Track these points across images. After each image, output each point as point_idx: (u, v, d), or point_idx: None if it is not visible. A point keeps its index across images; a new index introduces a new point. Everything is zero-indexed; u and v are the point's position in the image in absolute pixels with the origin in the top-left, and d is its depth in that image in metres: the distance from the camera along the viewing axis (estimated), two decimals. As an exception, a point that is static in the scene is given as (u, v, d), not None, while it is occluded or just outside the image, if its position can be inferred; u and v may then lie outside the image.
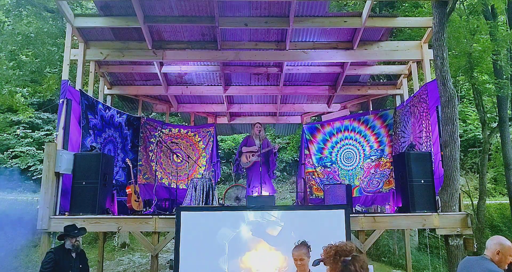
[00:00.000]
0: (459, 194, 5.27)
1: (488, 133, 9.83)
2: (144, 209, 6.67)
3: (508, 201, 9.73)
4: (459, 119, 7.08)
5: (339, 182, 7.80)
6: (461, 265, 2.95)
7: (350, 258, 1.85)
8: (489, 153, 11.59)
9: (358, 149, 8.14)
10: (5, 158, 13.58)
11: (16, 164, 13.45)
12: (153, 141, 8.16)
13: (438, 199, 5.33)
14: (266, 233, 4.78)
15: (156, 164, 8.07)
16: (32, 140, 14.15)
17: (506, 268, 2.73)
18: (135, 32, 6.37)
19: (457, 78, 9.50)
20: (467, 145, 14.22)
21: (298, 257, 2.87)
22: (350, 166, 8.16)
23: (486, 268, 2.65)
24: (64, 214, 5.23)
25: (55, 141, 5.41)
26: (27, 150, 13.62)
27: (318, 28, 6.34)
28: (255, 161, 7.18)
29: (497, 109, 9.45)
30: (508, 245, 2.72)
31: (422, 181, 5.36)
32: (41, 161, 9.81)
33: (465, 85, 10.84)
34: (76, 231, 4.26)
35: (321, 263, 1.95)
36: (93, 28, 6.25)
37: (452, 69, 7.99)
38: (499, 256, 2.70)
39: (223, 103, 8.75)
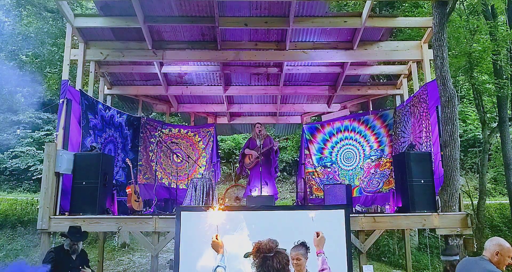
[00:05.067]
0: (459, 194, 5.27)
1: (488, 133, 9.83)
2: (144, 209, 6.67)
3: (508, 201, 9.73)
4: (459, 119, 7.10)
5: (339, 182, 7.80)
6: (460, 265, 2.96)
7: (272, 254, 2.12)
8: (489, 153, 11.58)
9: (358, 149, 8.14)
10: (5, 158, 13.58)
11: (16, 164, 13.45)
12: (153, 141, 8.16)
13: (438, 199, 5.33)
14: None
15: (156, 164, 8.07)
16: (32, 140, 14.15)
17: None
18: (135, 32, 6.36)
19: (457, 78, 9.50)
20: (467, 145, 14.22)
21: (295, 257, 2.85)
22: (350, 166, 8.17)
23: (485, 269, 2.66)
24: (64, 214, 5.24)
25: (55, 141, 5.41)
26: (27, 150, 13.62)
27: (318, 28, 6.34)
28: (257, 161, 7.18)
29: (497, 109, 9.45)
30: (507, 247, 2.73)
31: (422, 181, 5.36)
32: (41, 161, 9.82)
33: (465, 85, 10.84)
34: (78, 235, 4.28)
35: (251, 256, 2.26)
36: (93, 28, 6.25)
37: (452, 69, 7.99)
38: (498, 257, 2.71)
39: (223, 103, 8.75)
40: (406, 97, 7.54)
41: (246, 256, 2.27)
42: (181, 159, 8.01)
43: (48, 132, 14.50)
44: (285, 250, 2.19)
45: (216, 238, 2.61)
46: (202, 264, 4.74)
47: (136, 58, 6.71)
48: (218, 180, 9.67)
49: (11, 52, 10.73)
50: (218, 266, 2.49)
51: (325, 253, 2.65)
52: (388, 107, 8.56)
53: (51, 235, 5.05)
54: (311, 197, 8.07)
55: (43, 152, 5.32)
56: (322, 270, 2.52)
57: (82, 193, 5.26)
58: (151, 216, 5.21)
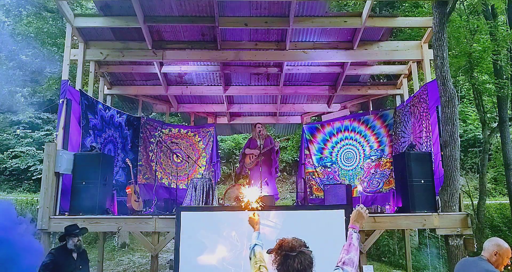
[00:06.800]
0: (459, 194, 5.26)
1: (488, 133, 9.82)
2: (144, 209, 6.67)
3: (508, 201, 9.72)
4: (459, 119, 7.07)
5: (339, 182, 7.79)
6: (459, 265, 2.97)
7: (294, 253, 1.95)
8: (489, 153, 11.58)
9: (358, 149, 8.14)
10: (5, 158, 13.59)
11: (16, 164, 13.46)
12: (153, 141, 8.16)
13: (438, 199, 5.33)
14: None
15: (156, 164, 8.06)
16: (32, 140, 14.17)
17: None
18: (135, 32, 6.36)
19: (457, 78, 9.49)
20: (467, 145, 14.21)
21: None
22: (350, 166, 8.16)
23: (483, 269, 2.67)
24: (64, 214, 5.24)
25: (55, 141, 5.41)
26: (27, 150, 13.63)
27: (318, 28, 6.34)
28: (257, 161, 7.18)
29: (497, 109, 9.43)
30: (506, 247, 2.74)
31: (422, 181, 5.36)
32: (41, 161, 9.82)
33: (465, 85, 10.83)
34: (77, 230, 4.25)
35: (273, 253, 2.06)
36: (93, 28, 6.25)
37: (452, 69, 7.99)
38: (497, 257, 2.72)
39: (223, 103, 8.75)
40: (406, 97, 7.54)
41: (269, 252, 2.19)
42: (181, 159, 8.01)
43: (48, 132, 14.52)
44: (311, 251, 2.06)
45: (253, 215, 2.59)
46: (202, 264, 4.74)
47: (136, 58, 6.71)
48: (218, 180, 9.66)
49: (11, 52, 10.74)
50: (256, 244, 2.37)
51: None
52: (388, 107, 8.55)
53: (51, 235, 5.05)
54: (311, 197, 8.07)
55: (43, 152, 5.32)
56: (349, 244, 2.34)
57: (82, 193, 5.26)
58: (151, 216, 5.21)
